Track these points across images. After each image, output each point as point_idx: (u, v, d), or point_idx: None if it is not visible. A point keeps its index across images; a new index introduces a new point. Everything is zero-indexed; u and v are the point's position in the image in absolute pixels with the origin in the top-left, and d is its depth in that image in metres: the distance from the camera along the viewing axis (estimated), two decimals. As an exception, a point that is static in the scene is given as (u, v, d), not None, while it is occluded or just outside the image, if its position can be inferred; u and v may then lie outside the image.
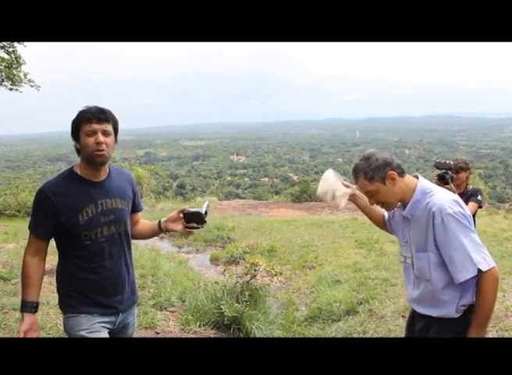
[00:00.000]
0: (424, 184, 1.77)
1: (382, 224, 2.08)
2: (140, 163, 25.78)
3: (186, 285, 5.02)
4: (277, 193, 29.86)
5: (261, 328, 3.90)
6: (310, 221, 10.92)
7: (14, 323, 3.53)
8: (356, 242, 7.93)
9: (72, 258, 1.78)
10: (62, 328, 2.46)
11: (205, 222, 1.84)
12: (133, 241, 1.97)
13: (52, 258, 2.03)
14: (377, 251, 7.07)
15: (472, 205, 3.46)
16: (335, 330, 3.94)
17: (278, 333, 4.01)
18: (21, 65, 6.52)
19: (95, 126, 1.68)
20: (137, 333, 3.25)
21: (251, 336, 3.75)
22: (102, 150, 1.69)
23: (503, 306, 3.97)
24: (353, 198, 2.03)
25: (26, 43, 6.36)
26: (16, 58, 6.40)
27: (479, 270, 1.60)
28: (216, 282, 4.75)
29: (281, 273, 4.94)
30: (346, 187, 1.98)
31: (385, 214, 2.05)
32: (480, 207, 3.58)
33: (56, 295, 1.87)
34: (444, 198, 1.68)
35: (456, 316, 1.70)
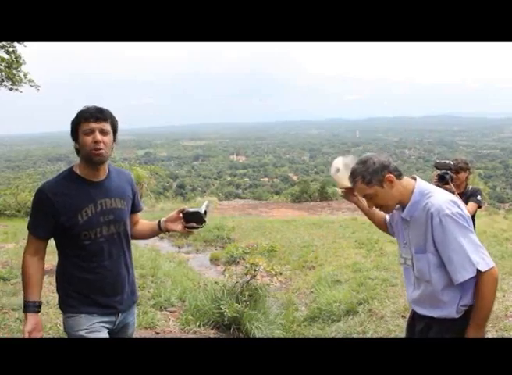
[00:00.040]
0: (422, 186, 1.78)
1: (384, 227, 2.10)
2: (140, 163, 25.79)
3: (186, 285, 5.02)
4: (277, 193, 29.89)
5: (261, 328, 3.90)
6: (310, 221, 10.91)
7: (14, 323, 3.53)
8: (356, 242, 7.93)
9: (71, 258, 1.77)
10: (61, 328, 2.47)
11: (205, 222, 1.84)
12: (133, 241, 1.97)
13: (52, 258, 2.04)
14: (377, 251, 7.07)
15: (472, 205, 3.47)
16: (335, 330, 3.94)
17: (278, 334, 4.01)
18: (21, 65, 6.52)
19: (93, 125, 1.68)
20: (137, 333, 3.25)
21: (251, 336, 3.74)
22: (100, 149, 1.68)
23: (503, 306, 3.97)
24: (356, 202, 2.06)
25: (26, 43, 6.37)
26: (16, 58, 6.41)
27: (478, 271, 1.60)
28: (216, 282, 4.75)
29: (281, 273, 4.93)
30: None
31: (387, 217, 2.06)
32: (479, 207, 3.58)
33: (56, 295, 1.87)
34: (442, 199, 1.68)
35: (457, 316, 1.70)
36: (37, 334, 1.68)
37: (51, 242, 1.79)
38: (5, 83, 6.57)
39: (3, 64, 6.35)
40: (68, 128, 1.74)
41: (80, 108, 1.73)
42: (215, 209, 13.64)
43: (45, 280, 1.81)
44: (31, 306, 1.70)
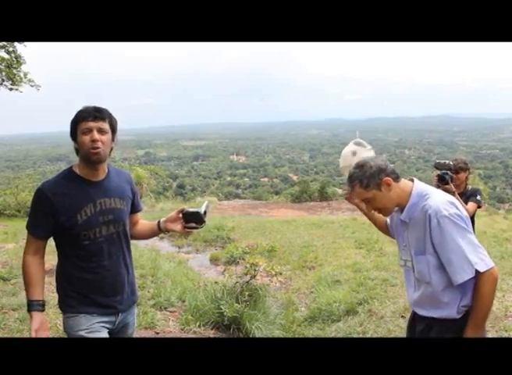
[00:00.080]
0: (420, 187, 1.78)
1: (386, 229, 2.11)
2: (139, 163, 25.78)
3: (186, 285, 5.02)
4: (277, 193, 29.89)
5: (261, 328, 3.90)
6: (310, 221, 10.91)
7: (13, 322, 3.53)
8: (356, 242, 7.93)
9: (71, 258, 1.77)
10: (61, 328, 2.46)
11: (204, 222, 1.84)
12: (132, 241, 1.97)
13: (52, 258, 2.03)
14: (377, 251, 7.07)
15: (471, 205, 3.47)
16: (334, 331, 3.94)
17: (277, 334, 4.01)
18: (21, 65, 6.53)
19: (91, 124, 1.68)
20: (137, 333, 3.25)
21: (251, 336, 3.74)
22: (98, 148, 1.68)
23: (503, 306, 3.96)
24: (358, 204, 2.06)
25: (26, 43, 6.37)
26: (16, 58, 6.41)
27: (477, 271, 1.60)
28: (216, 282, 4.75)
29: (281, 273, 4.94)
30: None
31: (388, 219, 2.06)
32: (479, 207, 3.59)
33: (56, 295, 1.86)
34: (439, 200, 1.68)
35: (458, 316, 1.70)
36: (43, 333, 1.68)
37: (51, 242, 1.79)
38: (5, 83, 6.57)
39: (3, 64, 6.36)
40: (68, 128, 1.74)
41: (80, 108, 1.73)
42: (214, 209, 13.64)
43: (45, 280, 1.81)
44: (35, 305, 1.70)
